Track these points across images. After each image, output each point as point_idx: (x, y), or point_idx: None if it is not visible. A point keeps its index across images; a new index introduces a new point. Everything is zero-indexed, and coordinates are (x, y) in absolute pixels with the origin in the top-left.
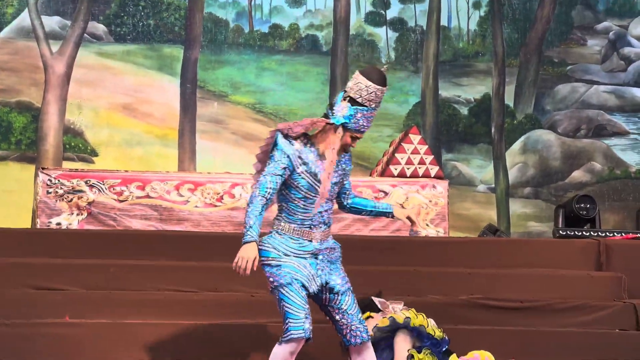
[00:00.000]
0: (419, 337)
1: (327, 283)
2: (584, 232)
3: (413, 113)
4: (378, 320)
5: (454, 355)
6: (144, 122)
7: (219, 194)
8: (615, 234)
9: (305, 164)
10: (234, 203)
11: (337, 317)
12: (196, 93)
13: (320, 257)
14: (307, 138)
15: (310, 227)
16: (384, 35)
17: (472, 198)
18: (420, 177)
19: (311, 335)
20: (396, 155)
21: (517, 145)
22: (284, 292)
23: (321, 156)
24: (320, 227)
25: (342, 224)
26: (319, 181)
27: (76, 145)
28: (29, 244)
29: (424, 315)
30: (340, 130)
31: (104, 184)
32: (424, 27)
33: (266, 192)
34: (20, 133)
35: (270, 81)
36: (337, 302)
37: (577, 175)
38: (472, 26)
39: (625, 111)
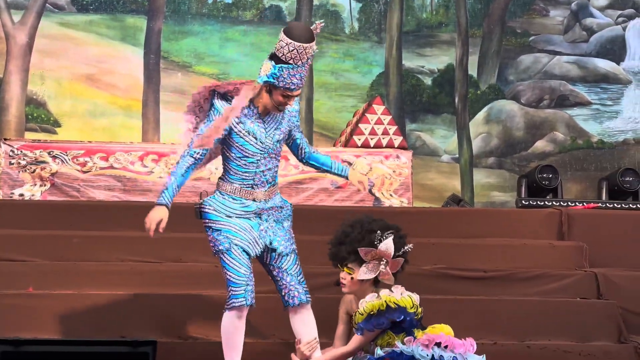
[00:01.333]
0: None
1: (270, 243)
2: (546, 202)
3: (377, 83)
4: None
5: (419, 330)
6: (107, 93)
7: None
8: (577, 203)
9: (242, 122)
10: (198, 173)
11: (278, 277)
12: (160, 64)
13: (264, 216)
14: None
15: (252, 187)
16: (347, 6)
17: (436, 168)
18: (384, 147)
19: (253, 302)
20: (360, 125)
21: (480, 115)
22: (224, 258)
23: (260, 114)
24: (264, 186)
25: (306, 194)
26: (257, 139)
27: (39, 116)
28: None
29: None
30: (267, 89)
31: (67, 155)
32: None
33: (195, 152)
34: None
35: (234, 52)
36: (278, 261)
37: (540, 145)
38: None
39: (588, 81)
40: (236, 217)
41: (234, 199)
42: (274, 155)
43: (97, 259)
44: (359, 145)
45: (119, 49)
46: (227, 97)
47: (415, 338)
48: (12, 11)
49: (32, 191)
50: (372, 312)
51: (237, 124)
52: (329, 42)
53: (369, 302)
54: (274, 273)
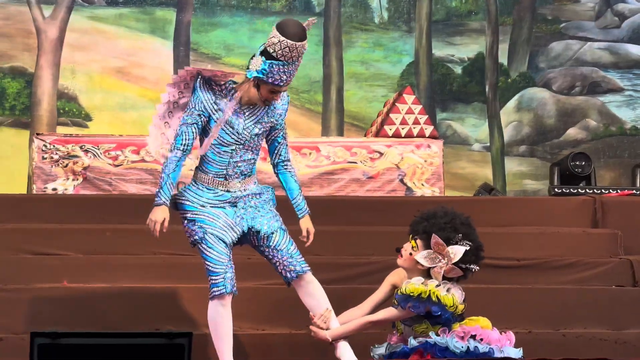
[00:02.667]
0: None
1: (252, 227)
2: (579, 190)
3: (407, 73)
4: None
5: (456, 323)
6: (137, 86)
7: None
8: (610, 190)
9: (220, 110)
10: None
11: (270, 256)
12: (189, 56)
13: (240, 204)
14: (232, 84)
15: (225, 178)
16: None
17: (467, 157)
18: (415, 137)
19: (234, 290)
20: (390, 115)
21: (511, 103)
22: (201, 248)
23: (242, 106)
24: (237, 177)
25: (338, 185)
26: (234, 129)
27: (70, 110)
28: (25, 209)
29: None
30: (255, 83)
31: (98, 149)
32: None
33: (182, 144)
34: (14, 99)
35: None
36: (266, 241)
37: (572, 132)
38: None
39: (620, 67)
40: (210, 206)
41: (208, 189)
42: (250, 148)
43: (130, 252)
44: (390, 135)
45: (148, 41)
46: (211, 82)
47: (450, 330)
48: (43, 6)
49: (64, 185)
50: (412, 294)
51: (216, 111)
52: (358, 32)
53: (413, 284)
54: (266, 253)
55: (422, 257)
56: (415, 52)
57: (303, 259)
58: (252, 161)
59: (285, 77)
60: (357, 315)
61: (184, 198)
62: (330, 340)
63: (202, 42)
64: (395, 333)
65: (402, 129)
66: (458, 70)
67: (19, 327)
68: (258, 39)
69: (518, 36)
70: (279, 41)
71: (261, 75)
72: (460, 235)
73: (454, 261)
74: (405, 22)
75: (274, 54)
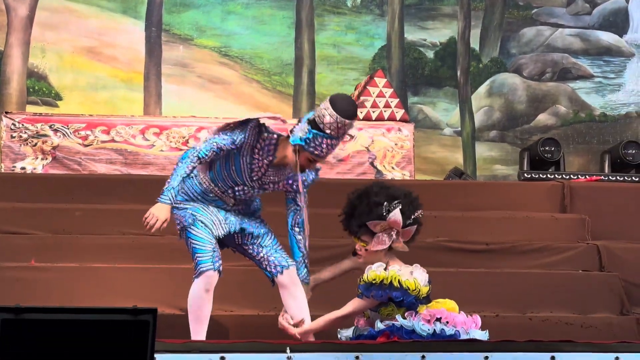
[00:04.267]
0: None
1: (243, 229)
2: (548, 175)
3: (379, 56)
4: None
5: (423, 305)
6: (108, 66)
7: (185, 137)
8: (579, 176)
9: (252, 153)
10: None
11: (254, 253)
12: (161, 37)
13: (233, 211)
14: (276, 140)
15: (223, 193)
16: None
17: (438, 141)
18: (386, 120)
19: (221, 269)
20: (361, 98)
21: (482, 88)
22: (189, 230)
23: (272, 161)
24: (233, 199)
25: None
26: (250, 175)
27: (40, 89)
28: None
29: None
30: (295, 148)
31: (68, 128)
32: None
33: (204, 157)
34: None
35: (236, 25)
36: (251, 239)
37: (543, 118)
38: None
39: (590, 54)
40: (204, 202)
41: (206, 192)
42: (257, 191)
43: (99, 232)
44: (361, 118)
45: (120, 21)
46: (262, 129)
47: (417, 313)
48: None
49: (33, 164)
50: (374, 282)
51: (249, 150)
52: (330, 15)
53: (374, 271)
54: (250, 251)
55: (376, 245)
56: (388, 36)
57: (286, 255)
58: (255, 197)
59: (326, 149)
60: (321, 279)
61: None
62: (299, 337)
63: (174, 22)
64: (362, 316)
65: (373, 112)
66: (430, 54)
67: None
68: (230, 20)
69: (490, 21)
70: (329, 115)
71: (304, 144)
72: (384, 203)
73: (401, 225)
74: (378, 6)
75: (321, 125)
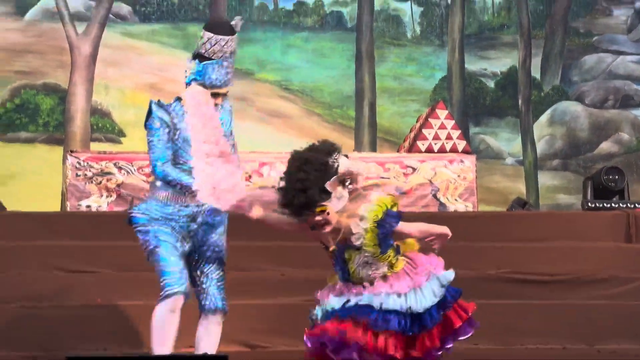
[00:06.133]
0: None
1: (200, 245)
2: (612, 204)
3: (439, 87)
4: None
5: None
6: (170, 101)
7: (247, 173)
8: None
9: (177, 129)
10: (262, 182)
11: (199, 281)
12: None
13: (199, 219)
14: (179, 103)
15: (184, 194)
16: (408, 10)
17: (501, 171)
18: (448, 152)
19: (187, 291)
20: (423, 130)
21: (544, 117)
22: (156, 252)
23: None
24: (192, 193)
25: None
26: (189, 145)
27: (104, 126)
28: (59, 226)
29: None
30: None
31: (132, 166)
32: (449, 1)
33: (165, 160)
34: (48, 115)
35: (296, 58)
36: (202, 264)
37: (605, 146)
38: None
39: None
40: (165, 219)
41: (166, 204)
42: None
43: None
44: (423, 150)
45: (180, 57)
46: (161, 103)
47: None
48: (76, 23)
49: (98, 202)
50: (385, 209)
51: (175, 129)
52: (390, 47)
53: (372, 207)
54: (196, 276)
55: (336, 201)
56: (448, 67)
57: (224, 297)
58: None
59: (221, 76)
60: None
61: (139, 212)
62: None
63: (235, 57)
64: (328, 287)
65: (435, 144)
66: (491, 84)
67: (52, 345)
68: (290, 54)
69: (551, 49)
70: (208, 39)
71: (199, 78)
72: (328, 160)
73: (353, 168)
74: (438, 37)
75: (206, 54)
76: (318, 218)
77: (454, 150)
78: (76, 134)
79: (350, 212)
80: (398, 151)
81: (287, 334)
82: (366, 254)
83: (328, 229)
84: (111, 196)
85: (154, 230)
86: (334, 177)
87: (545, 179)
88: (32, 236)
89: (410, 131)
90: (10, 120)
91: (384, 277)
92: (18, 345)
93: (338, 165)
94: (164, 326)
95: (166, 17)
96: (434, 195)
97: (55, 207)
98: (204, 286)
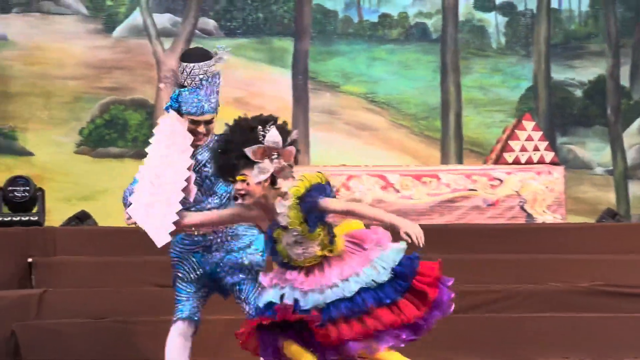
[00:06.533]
0: None
1: (214, 273)
2: None
3: (525, 98)
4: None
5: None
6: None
7: (335, 186)
8: None
9: None
10: (350, 195)
11: (235, 296)
12: (308, 84)
13: (213, 247)
14: None
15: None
16: (493, 20)
17: (590, 181)
18: (535, 163)
19: (194, 318)
20: (510, 142)
21: (634, 125)
22: (174, 281)
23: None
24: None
25: (459, 213)
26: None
27: None
28: (150, 242)
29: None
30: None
31: None
32: (534, 10)
33: None
34: (136, 130)
35: (382, 70)
36: (225, 281)
37: None
38: (584, 7)
39: None
40: (185, 252)
41: (186, 235)
42: (207, 192)
43: None
44: (510, 162)
45: (267, 71)
46: None
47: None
48: (163, 39)
49: None
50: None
51: None
52: (475, 57)
53: (295, 183)
54: (231, 292)
55: (257, 174)
56: (534, 77)
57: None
58: (220, 206)
59: (194, 102)
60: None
61: (170, 247)
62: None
63: (321, 70)
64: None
65: (522, 155)
66: (578, 93)
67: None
68: (376, 66)
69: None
70: (182, 68)
71: (175, 105)
72: (258, 127)
73: (281, 145)
74: (523, 47)
75: (181, 82)
76: (237, 186)
77: (541, 161)
78: None
79: (278, 192)
80: (484, 163)
81: None
82: (294, 233)
83: (249, 200)
84: None
85: (175, 266)
86: (258, 145)
87: (636, 189)
88: (124, 252)
89: (497, 142)
90: (100, 136)
91: (322, 263)
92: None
93: (264, 135)
94: (171, 349)
95: (251, 31)
96: (522, 207)
97: None
98: (241, 297)
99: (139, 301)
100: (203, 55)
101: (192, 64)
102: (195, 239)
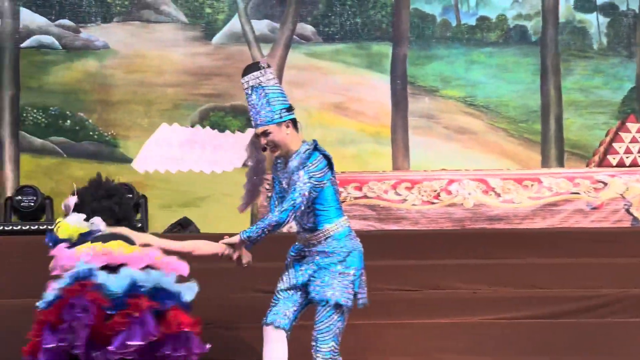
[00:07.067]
0: None
1: (304, 285)
2: None
3: (628, 99)
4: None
5: None
6: (356, 121)
7: (436, 191)
8: None
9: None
10: (451, 200)
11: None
12: (407, 89)
13: (308, 257)
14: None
15: (297, 232)
16: (594, 21)
17: None
18: None
19: (278, 323)
20: (613, 144)
21: None
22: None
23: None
24: (303, 232)
25: (561, 216)
26: (278, 185)
27: None
28: (256, 248)
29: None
30: None
31: None
32: (637, 10)
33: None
34: None
35: (480, 74)
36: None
37: None
38: None
39: None
40: (290, 258)
41: (296, 245)
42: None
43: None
44: (614, 164)
45: (365, 76)
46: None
47: None
48: (261, 45)
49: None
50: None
51: None
52: (577, 59)
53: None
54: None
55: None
56: (637, 78)
57: (328, 350)
58: (311, 217)
59: (252, 117)
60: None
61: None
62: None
63: (419, 75)
64: None
65: (627, 158)
66: None
67: None
68: (474, 70)
69: None
70: None
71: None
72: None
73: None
74: (625, 47)
75: None
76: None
77: None
78: (267, 154)
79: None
80: (587, 165)
81: (478, 351)
82: None
83: (276, 151)
84: None
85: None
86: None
87: None
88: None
89: (600, 145)
90: None
91: None
92: None
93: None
94: (265, 354)
95: (349, 36)
96: (627, 210)
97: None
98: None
99: (244, 307)
100: (248, 68)
101: (242, 79)
102: (297, 245)
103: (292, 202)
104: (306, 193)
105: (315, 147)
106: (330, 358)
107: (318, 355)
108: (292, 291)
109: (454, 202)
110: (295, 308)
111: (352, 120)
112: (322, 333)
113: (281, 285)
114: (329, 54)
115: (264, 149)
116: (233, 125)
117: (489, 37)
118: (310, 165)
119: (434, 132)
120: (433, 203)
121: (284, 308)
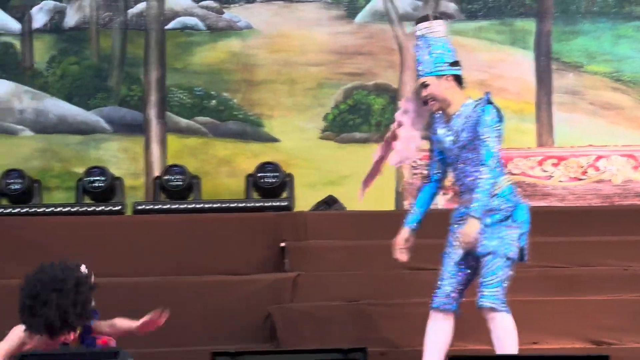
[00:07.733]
0: None
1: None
2: None
3: None
4: None
5: None
6: (499, 97)
7: (583, 167)
8: None
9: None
10: (598, 176)
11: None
12: (550, 65)
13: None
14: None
15: (459, 194)
16: None
17: None
18: None
19: (445, 306)
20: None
21: None
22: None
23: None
24: (465, 194)
25: None
26: (441, 139)
27: None
28: (396, 225)
29: None
30: None
31: None
32: None
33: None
34: (380, 115)
35: (628, 48)
36: (474, 262)
37: None
38: None
39: None
40: (452, 224)
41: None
42: (460, 161)
43: None
44: None
45: (509, 53)
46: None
47: None
48: (404, 23)
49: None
50: None
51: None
52: None
53: None
54: (468, 273)
55: None
56: None
57: (492, 293)
58: (470, 174)
59: (416, 65)
60: None
61: None
62: None
63: (564, 51)
64: None
65: None
66: None
67: (403, 342)
68: (622, 44)
69: None
70: None
71: None
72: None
73: None
74: None
75: None
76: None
77: None
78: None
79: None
80: None
81: (633, 330)
82: None
83: (436, 106)
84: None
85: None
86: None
87: None
88: (372, 235)
89: None
90: (344, 122)
91: None
92: (369, 342)
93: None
94: (427, 333)
95: (493, 13)
96: None
97: (389, 206)
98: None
99: (391, 284)
100: (418, 20)
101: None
102: (459, 210)
103: (487, 148)
104: (495, 145)
105: (488, 100)
106: (495, 302)
107: (483, 300)
108: (458, 262)
109: (602, 179)
110: (461, 287)
111: (496, 97)
112: (487, 278)
113: (448, 254)
114: (472, 31)
115: (425, 103)
116: (377, 103)
117: (636, 10)
118: (487, 119)
119: (579, 108)
120: (580, 179)
121: (452, 286)
